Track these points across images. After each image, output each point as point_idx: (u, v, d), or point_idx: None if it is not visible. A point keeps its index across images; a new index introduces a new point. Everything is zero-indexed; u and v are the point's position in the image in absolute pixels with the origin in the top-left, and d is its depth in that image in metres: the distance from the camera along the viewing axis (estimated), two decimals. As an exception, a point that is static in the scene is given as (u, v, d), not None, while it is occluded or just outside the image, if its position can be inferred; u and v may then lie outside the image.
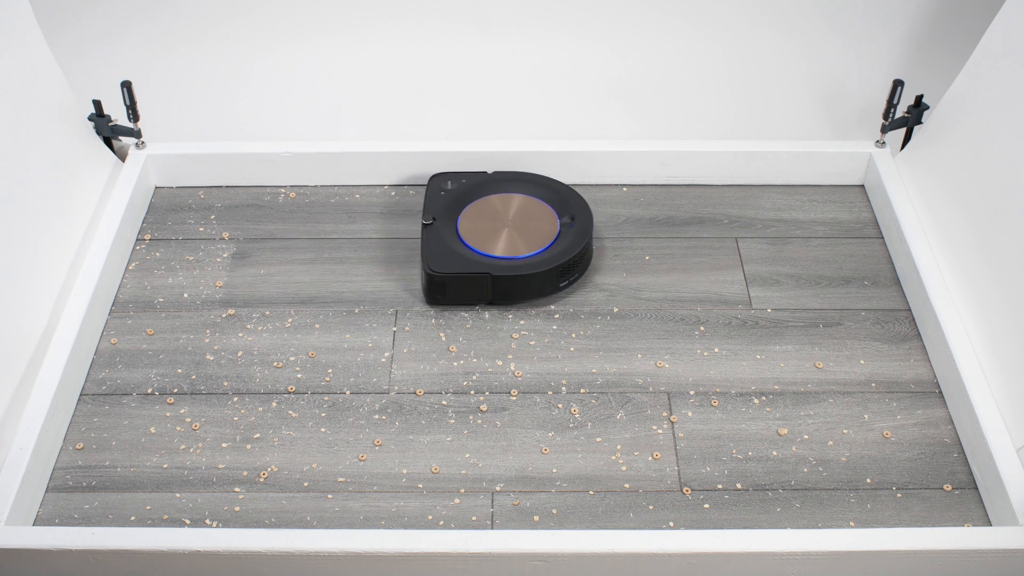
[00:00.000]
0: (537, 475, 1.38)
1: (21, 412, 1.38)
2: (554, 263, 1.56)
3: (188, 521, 1.33)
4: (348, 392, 1.48)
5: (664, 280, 1.64)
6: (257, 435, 1.43)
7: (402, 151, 1.76)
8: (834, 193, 1.79)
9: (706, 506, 1.35)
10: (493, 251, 1.59)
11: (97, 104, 1.72)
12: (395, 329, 1.56)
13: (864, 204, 1.77)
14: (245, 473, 1.38)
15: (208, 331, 1.56)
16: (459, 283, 1.56)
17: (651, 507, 1.35)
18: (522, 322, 1.57)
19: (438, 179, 1.70)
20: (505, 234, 1.61)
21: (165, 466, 1.39)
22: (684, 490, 1.36)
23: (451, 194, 1.67)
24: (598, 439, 1.42)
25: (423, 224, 1.61)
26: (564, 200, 1.66)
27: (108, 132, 1.75)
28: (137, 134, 1.75)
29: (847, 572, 1.26)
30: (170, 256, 1.67)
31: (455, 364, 1.51)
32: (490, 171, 1.73)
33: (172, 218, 1.74)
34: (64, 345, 1.45)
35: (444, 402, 1.47)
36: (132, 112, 1.72)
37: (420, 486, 1.37)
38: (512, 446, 1.41)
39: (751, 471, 1.39)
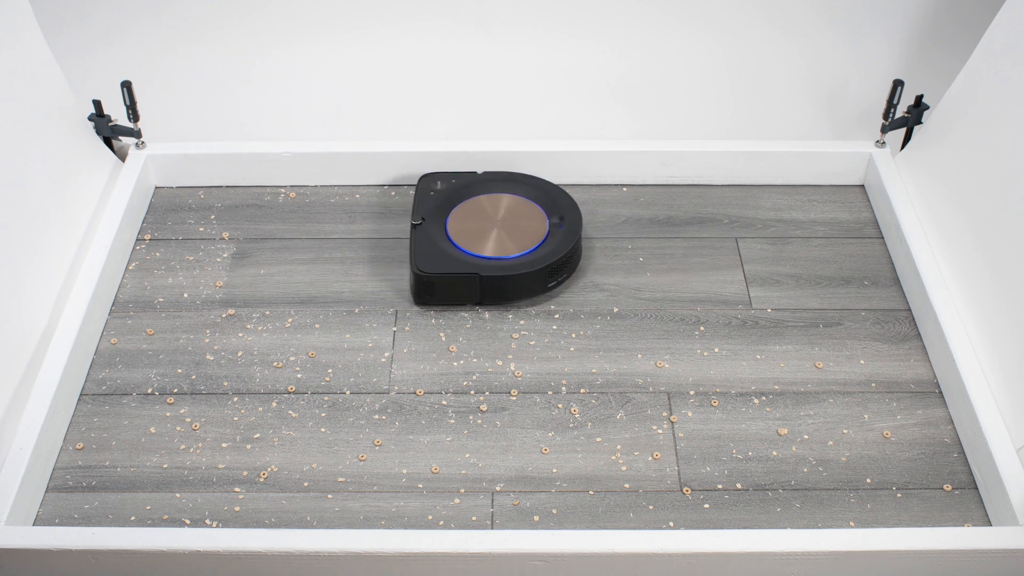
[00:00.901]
0: (537, 475, 1.38)
1: (21, 412, 1.38)
2: (542, 263, 1.56)
3: (188, 521, 1.33)
4: (348, 392, 1.48)
5: (664, 280, 1.64)
6: (257, 435, 1.43)
7: (402, 151, 1.76)
8: (834, 193, 1.79)
9: (706, 506, 1.35)
10: (482, 251, 1.58)
11: (97, 104, 1.72)
12: (395, 329, 1.56)
13: (864, 204, 1.77)
14: (245, 473, 1.38)
15: (208, 331, 1.56)
16: (447, 283, 1.56)
17: (651, 507, 1.35)
18: (522, 322, 1.57)
19: (428, 179, 1.70)
20: (495, 234, 1.61)
21: (165, 466, 1.39)
22: (684, 490, 1.36)
23: (441, 194, 1.67)
24: (598, 439, 1.42)
25: (412, 224, 1.62)
26: (554, 200, 1.66)
27: (108, 132, 1.75)
28: (137, 134, 1.75)
29: (847, 572, 1.26)
30: (170, 256, 1.67)
31: (455, 364, 1.51)
32: (480, 171, 1.73)
33: (172, 218, 1.74)
34: (64, 345, 1.45)
35: (444, 402, 1.47)
36: (132, 112, 1.72)
37: (420, 486, 1.37)
38: (512, 446, 1.41)
39: (751, 471, 1.39)
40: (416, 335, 1.55)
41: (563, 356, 1.53)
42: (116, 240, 1.62)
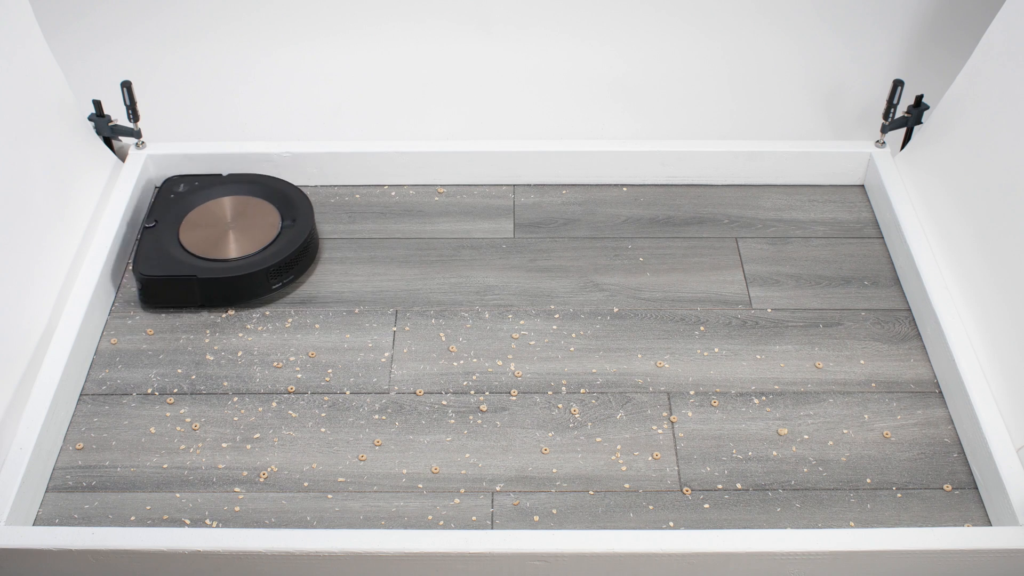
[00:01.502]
0: (537, 475, 1.38)
1: (21, 412, 1.38)
2: (263, 264, 1.56)
3: (188, 521, 1.33)
4: (348, 392, 1.48)
5: (664, 280, 1.64)
6: (257, 435, 1.43)
7: (402, 151, 1.76)
8: (834, 193, 1.79)
9: (706, 506, 1.35)
10: (214, 254, 1.59)
11: (97, 104, 1.72)
12: (395, 329, 1.56)
13: (864, 204, 1.77)
14: (245, 473, 1.38)
15: (208, 331, 1.56)
16: (166, 285, 1.55)
17: (651, 507, 1.35)
18: (522, 322, 1.57)
19: (171, 182, 1.71)
20: (230, 236, 1.62)
21: (165, 466, 1.39)
22: (684, 490, 1.36)
23: (181, 196, 1.68)
24: (598, 439, 1.42)
25: (144, 227, 1.63)
26: (290, 202, 1.67)
27: (108, 132, 1.75)
28: (137, 134, 1.75)
29: (847, 572, 1.26)
30: (170, 256, 1.67)
31: (455, 364, 1.51)
32: (225, 174, 1.73)
33: (172, 218, 1.74)
34: (64, 345, 1.45)
35: (444, 402, 1.47)
36: (132, 112, 1.72)
37: (420, 486, 1.37)
38: (512, 446, 1.41)
39: (751, 471, 1.39)
40: (416, 335, 1.55)
41: (563, 356, 1.53)
42: (116, 240, 1.62)
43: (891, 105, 1.72)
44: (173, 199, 1.67)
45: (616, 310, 1.59)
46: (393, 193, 1.79)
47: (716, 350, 1.53)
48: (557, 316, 1.58)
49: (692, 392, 1.48)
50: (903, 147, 1.78)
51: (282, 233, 1.62)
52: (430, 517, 1.34)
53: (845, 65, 2.01)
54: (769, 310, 1.59)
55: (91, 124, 1.74)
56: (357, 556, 1.23)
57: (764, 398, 1.47)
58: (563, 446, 1.41)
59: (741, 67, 2.02)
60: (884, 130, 1.75)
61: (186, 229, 1.63)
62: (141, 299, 1.59)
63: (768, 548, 1.23)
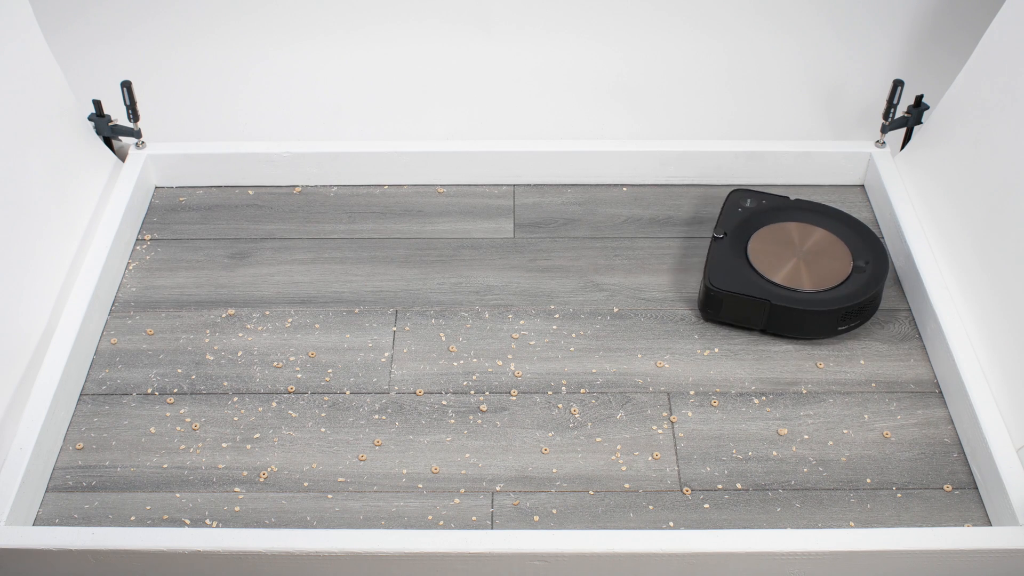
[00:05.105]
0: (537, 475, 1.38)
1: (21, 412, 1.38)
2: (835, 305, 1.50)
3: (188, 521, 1.33)
4: (348, 392, 1.48)
5: (664, 280, 1.64)
6: (257, 435, 1.43)
7: (402, 151, 1.76)
8: (834, 193, 1.79)
9: (706, 506, 1.35)
10: (777, 278, 1.54)
11: (97, 104, 1.72)
12: (395, 329, 1.56)
13: (864, 204, 1.77)
14: (245, 473, 1.38)
15: (208, 331, 1.56)
16: (736, 303, 1.52)
17: (651, 507, 1.35)
18: (522, 322, 1.57)
19: (737, 195, 1.66)
20: (792, 264, 1.56)
21: (165, 466, 1.39)
22: (684, 490, 1.36)
23: (747, 212, 1.63)
24: (598, 439, 1.42)
25: (714, 237, 1.59)
26: (862, 241, 1.59)
27: (108, 132, 1.75)
28: (137, 134, 1.75)
29: (847, 572, 1.26)
30: (170, 256, 1.67)
31: (455, 364, 1.51)
32: (792, 197, 1.67)
33: (172, 218, 1.74)
34: (64, 345, 1.45)
35: (444, 402, 1.47)
36: (132, 112, 1.72)
37: (420, 486, 1.37)
38: (512, 446, 1.41)
39: (751, 471, 1.39)
40: (416, 335, 1.55)
41: (563, 356, 1.53)
42: (116, 240, 1.62)
43: (891, 105, 1.72)
44: (740, 213, 1.62)
45: (616, 310, 1.59)
46: (393, 193, 1.79)
47: (716, 350, 1.53)
48: (557, 316, 1.58)
49: (692, 392, 1.48)
50: (903, 147, 1.78)
51: (853, 274, 1.55)
52: (430, 517, 1.34)
53: (845, 65, 2.01)
54: (769, 310, 1.59)
55: (91, 124, 1.74)
56: (357, 556, 1.23)
57: (764, 398, 1.47)
58: (563, 446, 1.41)
59: (741, 67, 2.02)
60: (884, 130, 1.75)
61: (755, 248, 1.58)
62: (702, 310, 1.55)
63: (768, 548, 1.23)
